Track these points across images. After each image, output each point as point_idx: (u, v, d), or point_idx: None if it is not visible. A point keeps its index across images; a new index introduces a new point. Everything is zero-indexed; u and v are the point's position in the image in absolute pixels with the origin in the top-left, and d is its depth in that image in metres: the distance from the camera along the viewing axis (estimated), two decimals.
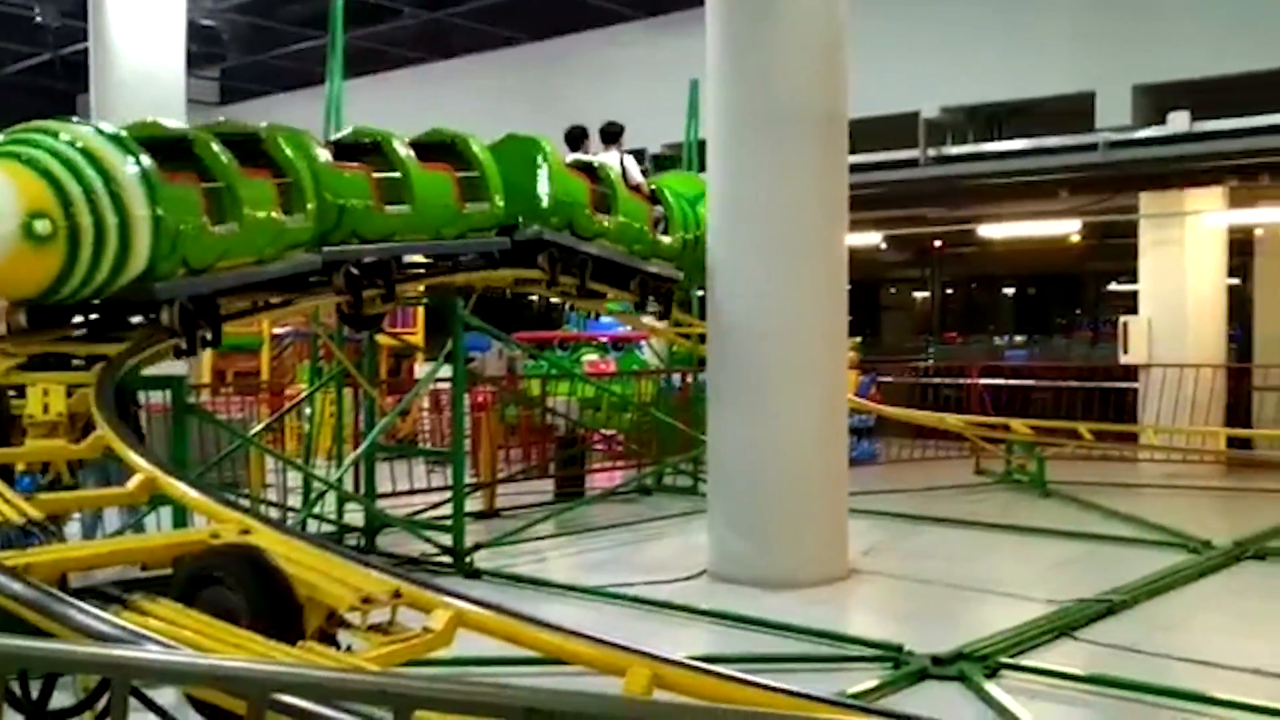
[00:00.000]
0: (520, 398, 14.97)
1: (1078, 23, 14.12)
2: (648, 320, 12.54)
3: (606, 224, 10.28)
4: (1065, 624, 7.35)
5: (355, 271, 8.60)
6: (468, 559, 9.20)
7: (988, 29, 14.67)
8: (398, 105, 20.15)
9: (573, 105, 18.24)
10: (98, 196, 6.29)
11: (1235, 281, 17.45)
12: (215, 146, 7.28)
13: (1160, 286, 15.19)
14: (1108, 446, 14.71)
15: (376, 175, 8.50)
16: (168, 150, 7.06)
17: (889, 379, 17.94)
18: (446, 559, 9.26)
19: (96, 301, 6.81)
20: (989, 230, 17.87)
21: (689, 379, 14.48)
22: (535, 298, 13.39)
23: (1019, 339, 24.25)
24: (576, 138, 10.97)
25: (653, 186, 11.41)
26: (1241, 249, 17.17)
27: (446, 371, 10.68)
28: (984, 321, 25.44)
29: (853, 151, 9.27)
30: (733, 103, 8.82)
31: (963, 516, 11.33)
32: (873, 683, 6.19)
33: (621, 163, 10.91)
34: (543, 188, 9.54)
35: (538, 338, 17.09)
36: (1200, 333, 14.99)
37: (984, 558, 9.78)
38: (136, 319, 7.14)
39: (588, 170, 10.36)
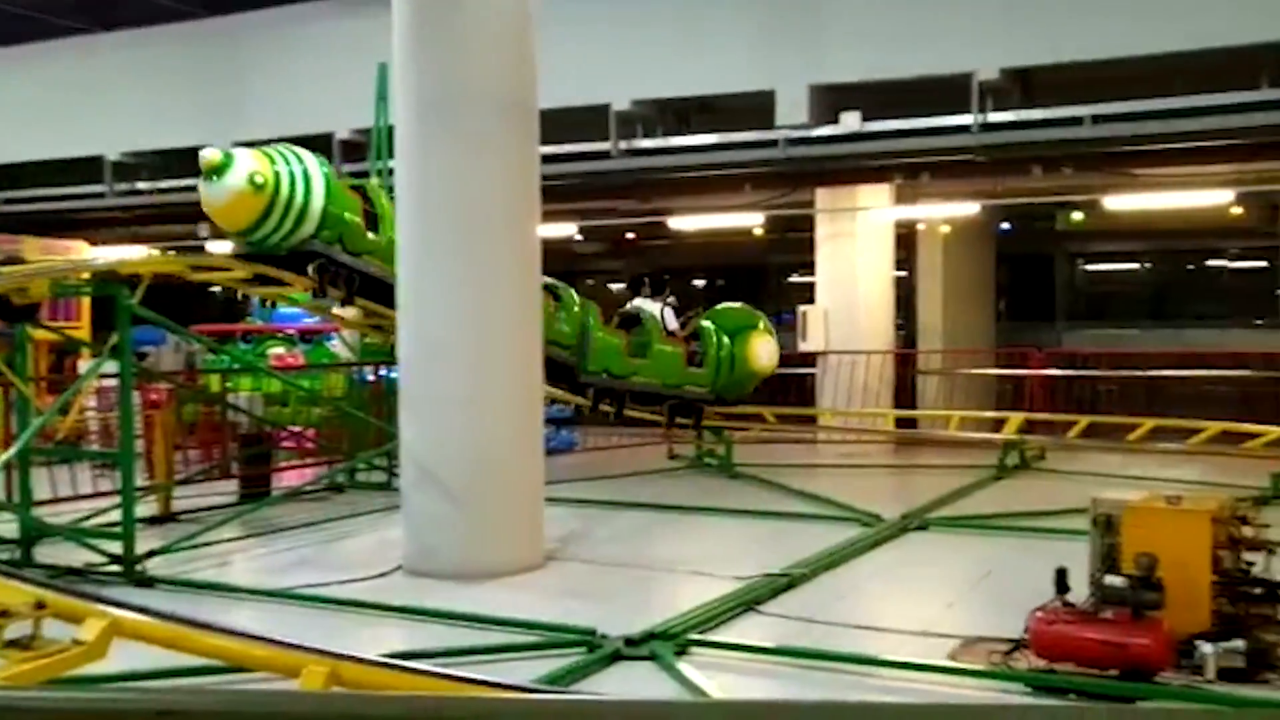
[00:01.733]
0: (199, 394, 14.12)
1: (759, 23, 14.72)
2: (337, 310, 12.10)
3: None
4: (751, 599, 7.62)
5: None
6: (139, 567, 8.56)
7: (676, 25, 15.05)
8: (54, 78, 18.65)
9: (249, 86, 17.38)
10: (296, 179, 10.14)
11: (903, 274, 18.75)
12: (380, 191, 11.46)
13: (835, 278, 16.10)
14: (790, 429, 15.47)
15: None
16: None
17: None
18: (116, 568, 8.58)
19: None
20: (679, 222, 18.40)
21: (381, 371, 14.09)
22: (218, 288, 12.75)
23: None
24: (636, 285, 13.95)
25: (699, 322, 13.51)
26: (907, 243, 18.47)
27: (115, 366, 9.89)
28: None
29: (546, 142, 9.26)
30: (421, 89, 8.61)
31: (656, 500, 11.60)
32: (569, 665, 6.20)
33: (661, 312, 13.35)
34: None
35: (218, 330, 16.18)
36: (871, 321, 15.99)
37: (675, 539, 10.04)
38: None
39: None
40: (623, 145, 15.07)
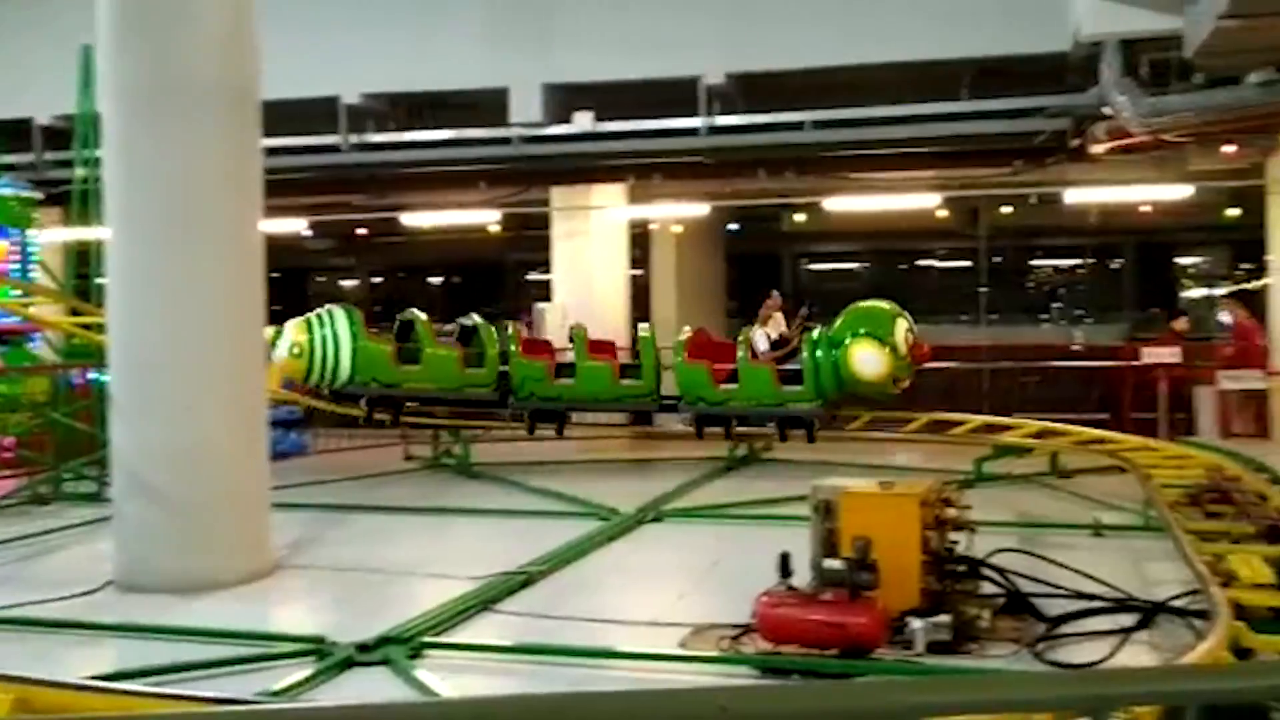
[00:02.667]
0: None
1: (493, 20, 14.65)
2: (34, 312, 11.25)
3: None
4: (488, 598, 7.57)
5: None
6: None
7: (409, 20, 14.78)
8: None
9: None
10: (328, 340, 12.38)
11: (638, 272, 19.09)
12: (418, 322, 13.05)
13: (571, 276, 16.23)
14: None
15: None
16: (405, 327, 13.09)
17: None
18: None
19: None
20: (413, 219, 18.09)
21: (90, 375, 13.17)
22: None
23: (447, 327, 24.85)
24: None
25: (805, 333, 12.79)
26: (642, 242, 18.84)
27: None
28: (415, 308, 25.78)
29: (272, 134, 8.90)
30: (129, 74, 8.10)
31: (392, 503, 11.36)
32: (298, 677, 5.98)
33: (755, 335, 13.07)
34: None
35: None
36: (606, 319, 16.18)
37: (412, 541, 9.85)
38: None
39: None
40: (354, 139, 14.69)
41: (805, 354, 12.46)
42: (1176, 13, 11.10)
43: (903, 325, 12.28)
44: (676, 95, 14.02)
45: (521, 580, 8.03)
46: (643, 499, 11.09)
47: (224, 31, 8.24)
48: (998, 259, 21.97)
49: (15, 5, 15.89)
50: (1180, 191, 15.50)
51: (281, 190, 10.75)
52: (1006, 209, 19.47)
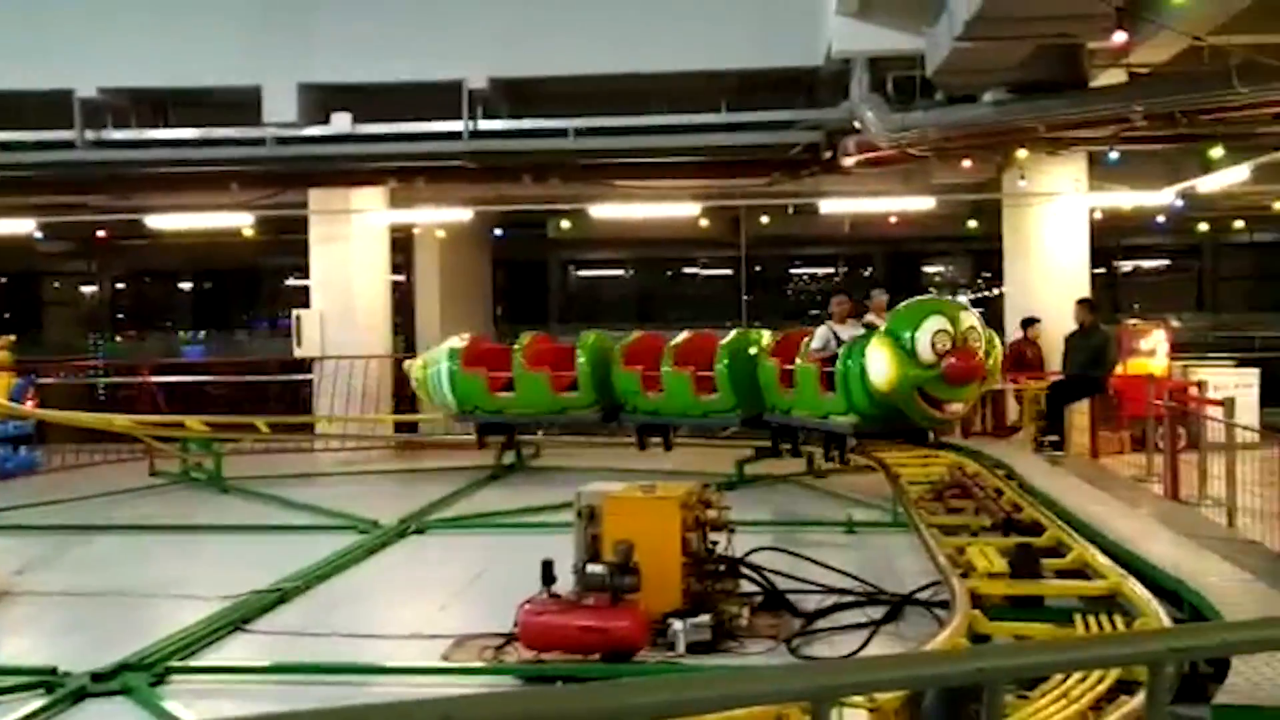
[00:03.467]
0: None
1: (246, 16, 14.05)
2: None
3: None
4: (239, 618, 7.21)
5: None
6: None
7: (153, 11, 14.01)
8: None
9: None
10: (432, 377, 13.01)
11: (400, 278, 18.72)
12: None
13: (330, 281, 15.73)
14: (286, 439, 14.91)
15: None
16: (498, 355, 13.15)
17: (51, 380, 16.39)
18: None
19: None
20: (159, 221, 17.13)
21: None
22: None
23: (199, 335, 23.75)
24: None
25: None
26: (404, 247, 18.47)
27: None
28: (161, 317, 24.49)
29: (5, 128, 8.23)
30: None
31: (135, 521, 10.72)
32: (25, 712, 5.52)
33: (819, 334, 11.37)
34: None
35: None
36: (368, 325, 15.79)
37: (157, 562, 9.29)
38: None
39: None
40: (90, 135, 13.79)
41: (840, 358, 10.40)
42: (918, 34, 11.70)
43: (935, 325, 9.67)
44: (441, 99, 13.81)
45: (276, 598, 7.69)
46: (405, 510, 10.83)
47: None
48: (759, 267, 22.66)
49: None
50: (924, 203, 16.35)
51: (8, 188, 9.97)
52: (766, 219, 20.08)
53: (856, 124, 13.28)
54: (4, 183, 8.47)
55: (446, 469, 13.50)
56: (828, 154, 14.09)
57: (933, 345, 9.58)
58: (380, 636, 6.90)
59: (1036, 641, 1.47)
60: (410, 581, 8.71)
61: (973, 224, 20.39)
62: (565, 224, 19.81)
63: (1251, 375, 13.36)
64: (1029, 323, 14.51)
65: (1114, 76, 12.22)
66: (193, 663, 6.43)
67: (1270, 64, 9.35)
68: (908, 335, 9.65)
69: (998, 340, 10.49)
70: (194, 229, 17.31)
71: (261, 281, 24.39)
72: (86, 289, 23.68)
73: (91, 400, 16.66)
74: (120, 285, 24.24)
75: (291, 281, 23.17)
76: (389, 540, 9.79)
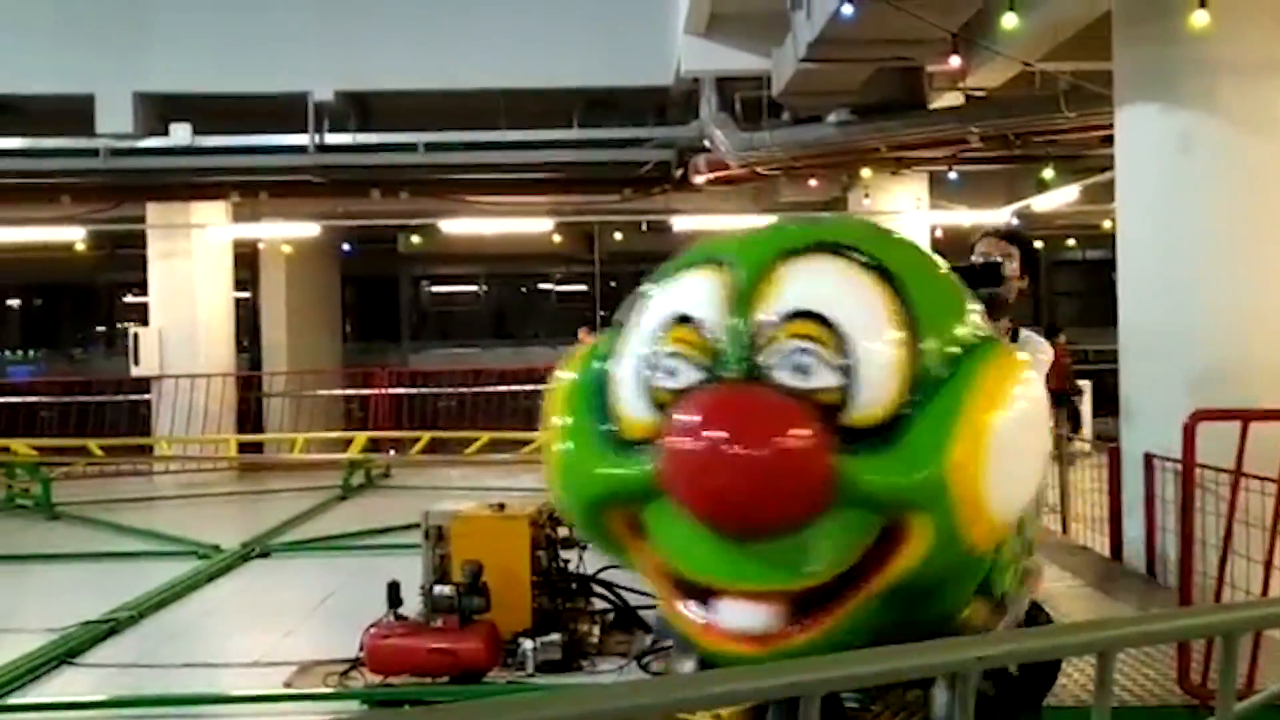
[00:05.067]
0: None
1: (75, 21, 13.48)
2: None
3: None
4: (66, 651, 6.86)
5: None
6: None
7: None
8: None
9: None
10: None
11: (245, 295, 18.18)
12: None
13: (171, 298, 15.18)
14: (121, 461, 14.31)
15: None
16: None
17: None
18: None
19: None
20: None
21: None
22: None
23: (26, 354, 22.66)
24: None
25: None
26: (249, 263, 17.95)
27: None
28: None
29: None
30: None
31: None
32: None
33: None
34: None
35: None
36: (211, 343, 15.28)
37: None
38: None
39: None
40: None
41: None
42: (765, 55, 11.91)
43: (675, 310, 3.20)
44: (286, 110, 13.49)
45: (107, 629, 7.34)
46: (249, 533, 10.51)
47: None
48: (614, 283, 22.71)
49: None
50: (771, 220, 16.62)
51: None
52: (619, 235, 20.17)
53: (706, 143, 13.45)
54: None
55: (294, 490, 13.15)
56: (679, 172, 14.24)
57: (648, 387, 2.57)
58: (220, 665, 6.66)
59: (852, 654, 1.48)
60: (253, 608, 8.43)
61: None
62: (416, 239, 19.53)
63: (1084, 386, 14.00)
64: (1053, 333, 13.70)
65: (952, 99, 12.65)
66: (13, 700, 6.10)
67: (1095, 90, 9.79)
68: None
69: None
70: (22, 243, 16.46)
71: (98, 298, 23.40)
72: None
73: None
74: None
75: (130, 299, 22.31)
76: (231, 565, 9.47)
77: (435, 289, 26.21)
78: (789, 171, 13.75)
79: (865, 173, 13.99)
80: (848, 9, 8.38)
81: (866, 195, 14.84)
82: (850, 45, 9.80)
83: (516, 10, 13.58)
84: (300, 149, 13.58)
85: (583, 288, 24.45)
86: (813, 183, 14.87)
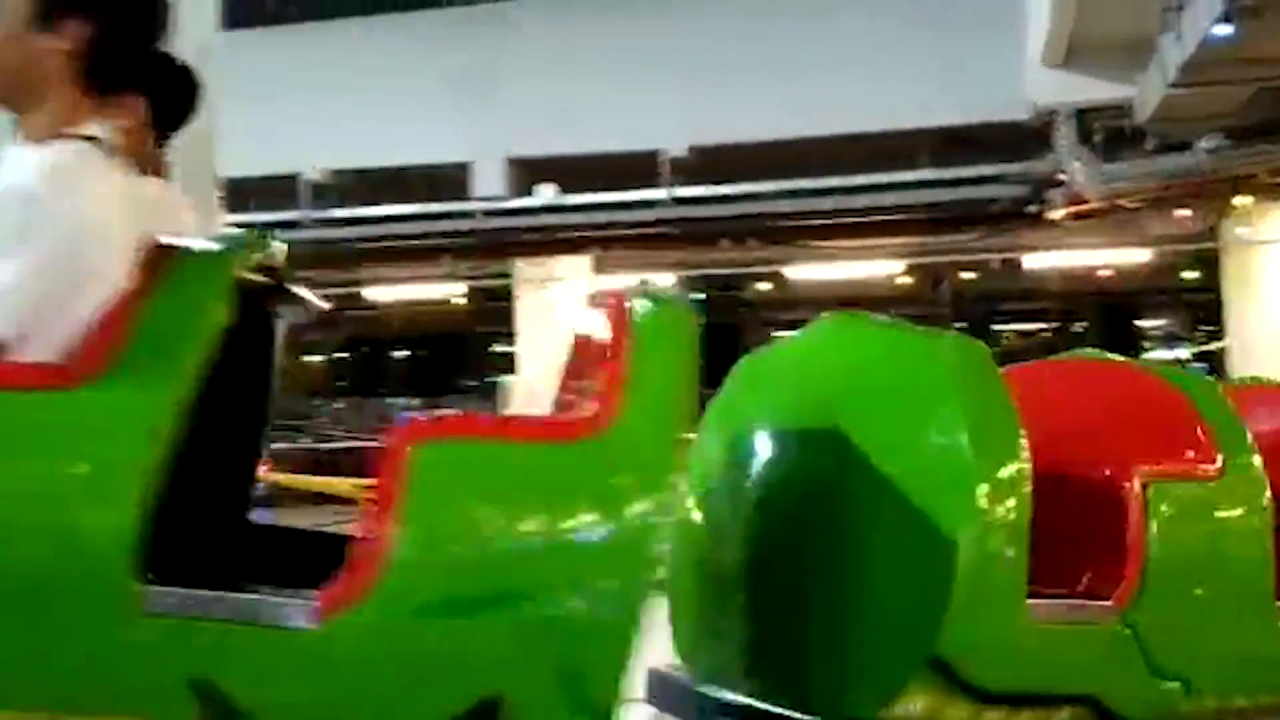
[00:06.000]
0: None
1: (455, 96, 14.76)
2: None
3: None
4: None
5: None
6: None
7: (369, 96, 14.87)
8: None
9: None
10: None
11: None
12: None
13: (536, 349, 16.16)
14: None
15: None
16: None
17: (282, 446, 17.32)
18: None
19: None
20: (376, 293, 18.01)
21: None
22: None
23: (410, 401, 24.71)
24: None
25: None
26: None
27: None
28: (378, 384, 25.60)
29: (234, 211, 8.88)
30: None
31: None
32: None
33: None
34: None
35: None
36: None
37: None
38: None
39: None
40: (314, 215, 14.68)
41: None
42: (1128, 82, 11.34)
43: None
44: (640, 166, 14.15)
45: None
46: None
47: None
48: (962, 324, 22.14)
49: None
50: (1138, 255, 15.72)
51: None
52: (968, 275, 19.65)
53: (1063, 176, 12.92)
54: None
55: None
56: (1034, 207, 13.73)
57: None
58: None
59: None
60: None
61: (1191, 275, 19.43)
62: (763, 286, 19.84)
63: None
64: None
65: None
66: None
67: None
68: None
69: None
70: (408, 299, 18.13)
71: (470, 349, 25.23)
72: (307, 358, 24.99)
73: (316, 463, 17.49)
74: (341, 355, 25.52)
75: (498, 348, 23.92)
76: None
77: (777, 334, 26.44)
78: (1156, 202, 12.96)
79: (1242, 200, 12.96)
80: (1224, 29, 7.87)
81: (1244, 225, 13.73)
82: (1226, 67, 9.18)
83: (865, 55, 13.64)
84: (655, 203, 14.17)
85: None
86: (1182, 213, 13.93)
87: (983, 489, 2.33)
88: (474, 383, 25.40)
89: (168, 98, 1.94)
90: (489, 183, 14.61)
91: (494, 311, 20.64)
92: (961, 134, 14.11)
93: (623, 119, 14.21)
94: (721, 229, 14.68)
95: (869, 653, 2.45)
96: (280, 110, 14.50)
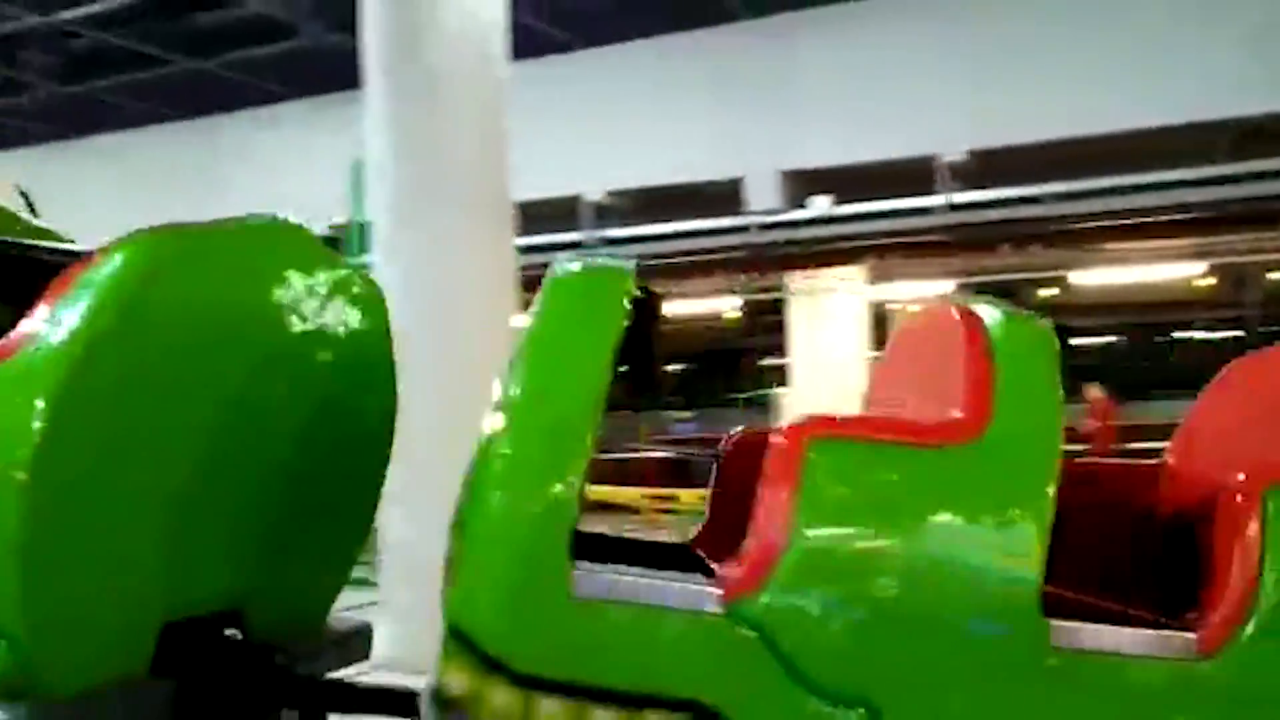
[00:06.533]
0: None
1: (727, 111, 14.96)
2: None
3: None
4: None
5: None
6: None
7: (645, 116, 15.28)
8: (31, 186, 18.67)
9: (231, 184, 17.58)
10: None
11: (879, 354, 18.82)
12: None
13: (809, 361, 16.16)
14: None
15: None
16: None
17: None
18: None
19: None
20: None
21: None
22: None
23: (686, 412, 25.19)
24: None
25: None
26: (882, 323, 18.60)
27: None
28: (652, 397, 26.21)
29: (523, 234, 9.33)
30: (398, 186, 8.65)
31: None
32: None
33: None
34: None
35: None
36: (847, 401, 15.97)
37: None
38: None
39: None
40: (597, 235, 15.20)
41: None
42: None
43: None
44: (916, 173, 13.91)
45: None
46: None
47: (485, 140, 8.74)
48: (1271, 327, 20.58)
49: (295, 129, 17.39)
50: None
51: (533, 286, 11.18)
52: (1277, 275, 18.30)
53: None
54: (531, 281, 9.56)
55: None
56: None
57: None
58: None
59: None
60: None
61: None
62: (1045, 291, 19.10)
63: None
64: None
65: None
66: None
67: None
68: None
69: None
70: (681, 314, 18.50)
71: (740, 362, 25.46)
72: None
73: (598, 473, 18.10)
74: (622, 369, 26.23)
75: (768, 361, 24.03)
76: None
77: (1061, 339, 25.31)
78: None
79: None
80: None
81: None
82: None
83: (1155, 45, 12.93)
84: (931, 210, 13.90)
85: (1238, 333, 22.39)
86: None
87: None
88: (746, 396, 25.64)
89: None
90: (762, 197, 14.71)
91: (766, 325, 20.79)
92: (1261, 125, 13.13)
93: (897, 126, 14.02)
94: (1002, 234, 14.22)
95: None
96: (564, 135, 15.12)
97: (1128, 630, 1.85)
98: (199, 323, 2.26)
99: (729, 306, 17.64)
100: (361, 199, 13.43)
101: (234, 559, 2.32)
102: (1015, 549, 1.84)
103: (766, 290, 16.77)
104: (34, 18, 14.95)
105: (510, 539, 1.99)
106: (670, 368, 26.94)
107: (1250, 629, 1.77)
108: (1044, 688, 1.82)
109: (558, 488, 1.98)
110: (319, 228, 16.37)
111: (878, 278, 16.44)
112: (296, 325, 2.45)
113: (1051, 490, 1.87)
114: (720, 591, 1.92)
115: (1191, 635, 1.80)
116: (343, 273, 2.71)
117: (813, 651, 1.88)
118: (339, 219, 14.66)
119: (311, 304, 2.51)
